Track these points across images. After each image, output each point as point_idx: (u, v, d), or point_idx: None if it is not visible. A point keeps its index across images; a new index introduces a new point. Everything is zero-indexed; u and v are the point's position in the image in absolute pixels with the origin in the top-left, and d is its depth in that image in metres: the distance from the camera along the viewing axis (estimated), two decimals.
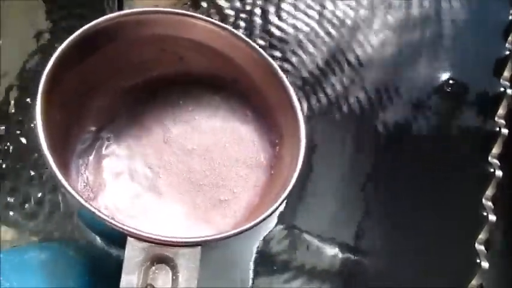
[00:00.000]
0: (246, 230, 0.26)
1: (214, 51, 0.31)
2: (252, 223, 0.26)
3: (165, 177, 0.32)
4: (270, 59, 0.30)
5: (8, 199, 0.38)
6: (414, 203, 0.41)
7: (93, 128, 0.32)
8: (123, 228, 0.24)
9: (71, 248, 0.35)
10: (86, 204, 0.24)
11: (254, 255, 0.39)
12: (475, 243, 0.40)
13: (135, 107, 0.33)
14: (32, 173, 0.39)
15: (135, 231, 0.24)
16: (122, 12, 0.29)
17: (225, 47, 0.31)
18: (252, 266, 0.39)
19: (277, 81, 0.30)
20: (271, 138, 0.32)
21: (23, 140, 0.40)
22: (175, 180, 0.32)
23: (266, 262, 0.39)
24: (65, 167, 0.28)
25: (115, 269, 0.37)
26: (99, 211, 0.24)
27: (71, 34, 0.27)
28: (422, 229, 0.40)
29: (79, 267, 0.33)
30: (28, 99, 0.41)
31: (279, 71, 0.29)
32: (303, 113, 0.29)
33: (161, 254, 0.25)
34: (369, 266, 0.40)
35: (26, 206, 0.38)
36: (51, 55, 0.26)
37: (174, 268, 0.25)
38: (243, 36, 0.30)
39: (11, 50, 0.41)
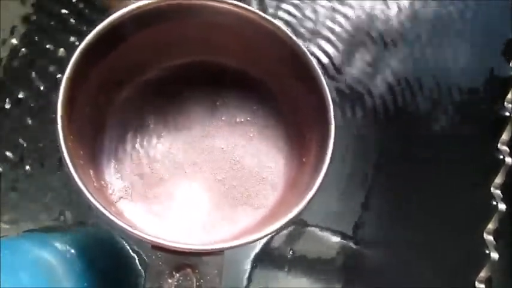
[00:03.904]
0: (270, 233, 0.26)
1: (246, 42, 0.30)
2: (276, 226, 0.26)
3: (191, 171, 0.31)
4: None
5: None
6: (419, 191, 0.40)
7: (122, 120, 0.31)
8: (146, 239, 0.23)
9: (65, 241, 0.33)
10: (108, 214, 0.23)
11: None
12: (483, 234, 0.39)
13: (164, 100, 0.32)
14: None
15: (159, 241, 0.23)
16: None
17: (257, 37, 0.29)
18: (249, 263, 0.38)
19: (312, 81, 0.28)
20: (299, 143, 0.31)
21: None
22: (200, 175, 0.31)
23: (265, 254, 0.38)
24: (94, 159, 0.29)
25: (114, 261, 0.36)
26: (123, 222, 0.23)
27: None
28: (428, 219, 0.39)
29: (75, 264, 0.31)
30: None
31: (316, 67, 0.27)
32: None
33: (185, 261, 0.24)
34: (371, 257, 0.39)
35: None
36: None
37: (197, 275, 0.24)
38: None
39: None
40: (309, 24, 0.44)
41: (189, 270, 0.24)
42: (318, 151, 0.28)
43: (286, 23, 0.43)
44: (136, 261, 0.36)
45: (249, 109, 0.32)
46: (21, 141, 0.38)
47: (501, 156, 0.41)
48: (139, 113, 0.31)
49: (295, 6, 0.44)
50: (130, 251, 0.36)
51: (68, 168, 0.23)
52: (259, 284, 0.38)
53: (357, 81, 0.43)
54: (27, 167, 0.38)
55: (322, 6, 0.44)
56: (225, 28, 0.29)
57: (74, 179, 0.23)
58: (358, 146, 0.41)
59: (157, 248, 0.24)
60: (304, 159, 0.30)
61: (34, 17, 0.41)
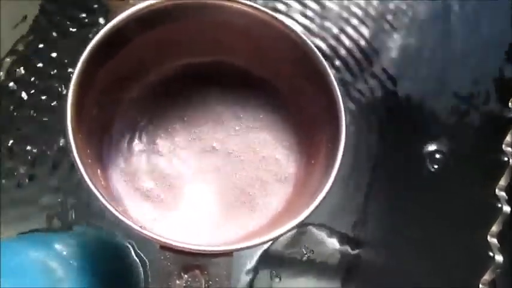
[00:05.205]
0: (280, 235, 0.25)
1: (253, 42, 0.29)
2: (285, 228, 0.25)
3: (198, 173, 0.31)
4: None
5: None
6: (422, 193, 0.40)
7: (128, 121, 0.31)
8: (156, 239, 0.23)
9: (65, 242, 0.32)
10: (117, 213, 0.23)
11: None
12: (487, 236, 0.39)
13: (171, 101, 0.31)
14: None
15: (169, 241, 0.23)
16: None
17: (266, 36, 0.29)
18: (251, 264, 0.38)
19: (323, 81, 0.28)
20: (308, 144, 0.31)
21: None
22: (208, 177, 0.30)
23: (266, 255, 0.38)
24: (101, 159, 0.28)
25: (115, 264, 0.36)
26: (132, 222, 0.23)
27: None
28: (432, 221, 0.39)
29: (74, 265, 0.31)
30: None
31: (327, 68, 0.27)
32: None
33: (193, 262, 0.24)
34: (371, 257, 0.39)
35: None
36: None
37: (206, 276, 0.24)
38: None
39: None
40: None
41: (197, 271, 0.24)
42: (328, 152, 0.27)
43: None
44: (139, 263, 0.35)
45: (257, 110, 0.32)
46: (22, 142, 0.38)
47: (506, 158, 0.41)
48: (146, 114, 0.31)
49: None
50: (132, 252, 0.35)
51: (77, 166, 0.23)
52: (260, 285, 0.37)
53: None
54: (29, 167, 0.37)
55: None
56: (233, 28, 0.29)
57: (82, 177, 0.23)
58: (357, 143, 0.41)
59: (166, 248, 0.23)
60: (312, 161, 0.29)
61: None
